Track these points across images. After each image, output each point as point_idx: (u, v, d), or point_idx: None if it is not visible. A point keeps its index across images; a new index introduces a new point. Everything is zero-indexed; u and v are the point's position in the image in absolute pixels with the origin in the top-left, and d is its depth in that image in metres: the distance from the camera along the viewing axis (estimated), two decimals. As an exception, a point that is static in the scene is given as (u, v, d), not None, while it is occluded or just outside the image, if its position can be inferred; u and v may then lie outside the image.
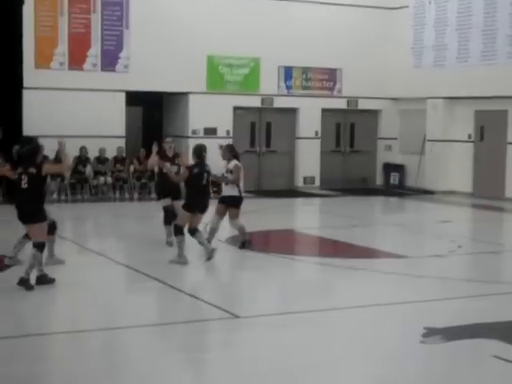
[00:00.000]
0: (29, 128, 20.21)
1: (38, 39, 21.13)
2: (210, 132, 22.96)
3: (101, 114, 21.58)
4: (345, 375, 7.24)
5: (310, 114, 24.69)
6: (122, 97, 22.11)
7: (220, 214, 13.31)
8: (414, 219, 19.59)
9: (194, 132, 22.73)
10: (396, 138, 25.96)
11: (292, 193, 23.94)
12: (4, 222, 12.90)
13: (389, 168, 25.93)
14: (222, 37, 22.91)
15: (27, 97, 20.97)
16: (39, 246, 10.29)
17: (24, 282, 10.09)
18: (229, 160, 13.35)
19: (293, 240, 15.96)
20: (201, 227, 12.83)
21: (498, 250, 14.61)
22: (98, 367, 7.37)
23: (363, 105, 25.60)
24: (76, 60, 21.61)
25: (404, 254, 13.40)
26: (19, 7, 20.72)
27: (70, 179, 20.66)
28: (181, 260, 12.11)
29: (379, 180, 26.23)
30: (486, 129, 23.13)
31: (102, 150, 21.41)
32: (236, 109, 23.82)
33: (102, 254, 13.09)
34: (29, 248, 10.64)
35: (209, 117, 22.98)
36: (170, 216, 13.42)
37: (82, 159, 21.01)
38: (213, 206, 13.02)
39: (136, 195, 21.46)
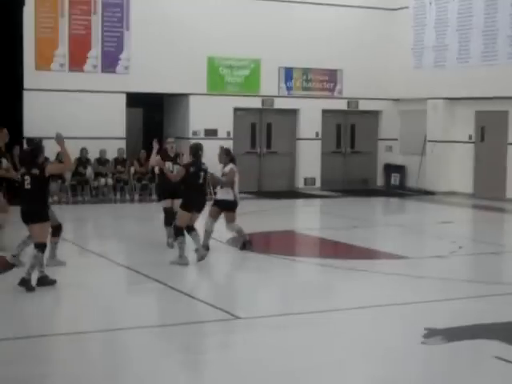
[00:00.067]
0: (29, 129, 20.23)
1: (39, 40, 21.15)
2: (211, 133, 22.97)
3: (101, 116, 21.59)
4: (346, 376, 7.24)
5: (310, 115, 24.69)
6: (123, 98, 22.12)
7: (213, 217, 13.30)
8: (415, 220, 19.59)
9: (194, 133, 22.73)
10: (396, 139, 25.96)
11: (293, 194, 23.94)
12: (8, 223, 12.85)
13: (389, 169, 25.93)
14: (222, 38, 22.92)
15: (28, 98, 20.99)
16: (40, 247, 10.29)
17: (25, 283, 10.10)
18: (225, 164, 13.36)
19: (293, 241, 15.96)
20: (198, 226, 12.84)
21: (499, 250, 14.60)
22: (98, 368, 7.37)
23: (364, 106, 25.60)
24: (76, 61, 21.62)
25: (405, 255, 13.40)
26: (20, 8, 20.74)
27: (70, 181, 20.67)
28: (181, 261, 12.11)
29: (380, 181, 26.23)
30: (487, 129, 23.12)
31: (102, 152, 21.42)
32: (236, 110, 23.83)
33: (102, 255, 13.09)
34: (31, 249, 10.64)
35: (209, 118, 22.99)
36: (170, 217, 13.43)
37: (82, 161, 21.02)
38: (207, 208, 13.02)
39: (137, 197, 21.47)
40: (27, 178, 10.36)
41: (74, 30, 21.59)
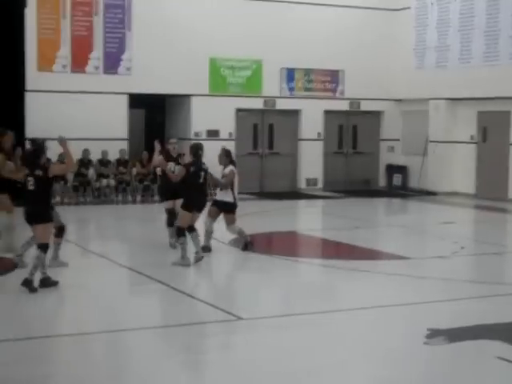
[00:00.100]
0: (31, 131, 20.24)
1: (41, 42, 21.16)
2: (213, 134, 22.98)
3: (103, 117, 21.60)
4: (348, 377, 7.24)
5: (312, 115, 24.70)
6: (125, 99, 22.13)
7: (212, 217, 13.32)
8: (417, 220, 19.59)
9: (196, 134, 22.73)
10: (398, 140, 25.96)
11: (295, 195, 23.94)
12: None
13: (391, 169, 25.93)
14: (224, 39, 22.94)
15: (30, 100, 21.01)
16: (43, 248, 10.30)
17: (28, 283, 10.11)
18: (225, 165, 13.37)
19: (296, 242, 15.96)
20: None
21: (501, 251, 14.60)
22: (101, 369, 7.37)
23: (365, 106, 25.61)
24: (78, 63, 21.64)
25: (407, 256, 13.40)
26: (21, 10, 20.76)
27: (72, 182, 20.68)
28: (184, 262, 12.12)
29: (382, 181, 26.23)
30: (489, 130, 23.10)
31: (104, 153, 21.43)
32: (238, 111, 23.84)
33: (104, 256, 13.09)
34: (34, 250, 10.66)
35: (211, 119, 23.00)
36: (172, 218, 13.45)
37: (84, 162, 21.03)
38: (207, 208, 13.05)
39: (139, 197, 21.48)
40: (30, 179, 10.38)
41: (76, 32, 21.61)
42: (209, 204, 13.26)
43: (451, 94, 23.52)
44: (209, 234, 13.30)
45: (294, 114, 24.77)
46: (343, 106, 25.32)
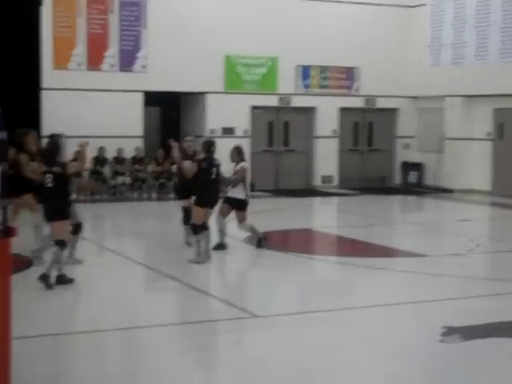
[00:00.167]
0: (47, 129, 20.20)
1: (56, 40, 21.23)
2: (228, 132, 22.98)
3: (119, 115, 21.64)
4: (363, 374, 7.22)
5: (327, 112, 24.65)
6: (140, 97, 22.18)
7: (224, 214, 13.28)
8: (433, 218, 19.53)
9: (211, 132, 22.74)
10: (414, 137, 25.87)
11: (310, 192, 23.91)
12: (26, 225, 12.88)
13: (407, 166, 25.84)
14: (239, 37, 22.92)
15: (45, 98, 21.07)
16: (60, 244, 10.33)
17: (45, 278, 10.12)
18: (237, 162, 13.35)
19: (311, 239, 15.94)
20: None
21: (518, 248, 14.53)
22: (114, 367, 7.39)
23: (381, 103, 25.53)
24: (94, 61, 21.70)
25: (422, 253, 13.35)
26: (37, 8, 20.83)
27: (88, 179, 20.73)
28: (199, 259, 12.12)
29: (397, 179, 26.15)
30: (505, 127, 22.98)
31: (119, 150, 21.49)
32: (254, 108, 23.83)
33: (120, 253, 13.13)
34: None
35: (226, 116, 23.00)
36: (188, 216, 13.44)
37: (100, 160, 21.09)
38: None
39: (154, 195, 21.52)
40: (48, 176, 10.41)
41: (92, 29, 21.67)
42: (220, 201, 13.22)
43: (467, 91, 23.41)
44: (222, 231, 13.29)
45: (310, 111, 24.74)
46: (359, 103, 25.26)
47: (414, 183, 25.36)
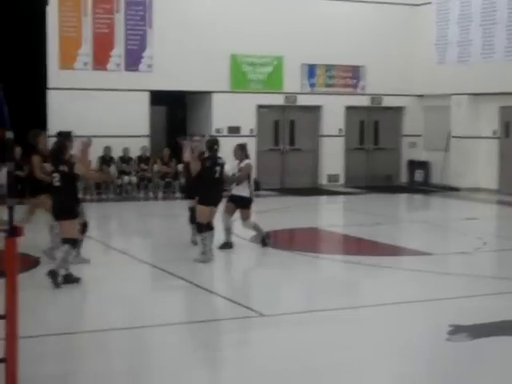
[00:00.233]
0: (53, 128, 20.28)
1: (62, 40, 21.26)
2: (234, 131, 22.98)
3: (125, 114, 21.66)
4: (370, 373, 7.21)
5: (333, 111, 24.64)
6: (146, 96, 22.19)
7: (229, 213, 13.26)
8: (439, 216, 19.50)
9: (217, 131, 22.74)
10: (420, 135, 25.84)
11: (316, 191, 23.90)
12: (32, 224, 12.90)
13: (413, 165, 25.82)
14: (244, 35, 22.92)
15: (51, 97, 21.11)
16: (70, 242, 10.34)
17: (53, 275, 10.13)
18: (241, 159, 13.33)
19: (317, 238, 15.94)
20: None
21: (524, 246, 14.50)
22: (121, 366, 7.39)
23: (387, 102, 25.50)
24: (100, 60, 21.72)
25: (429, 252, 13.33)
26: (43, 8, 20.85)
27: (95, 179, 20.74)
28: (205, 258, 12.12)
29: (404, 177, 26.12)
30: (512, 125, 22.99)
31: (125, 150, 21.51)
32: (259, 107, 23.83)
33: (126, 252, 13.14)
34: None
35: (232, 115, 23.00)
36: (195, 215, 13.43)
37: (106, 159, 21.11)
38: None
39: (160, 194, 21.54)
40: (56, 175, 10.42)
41: (97, 29, 21.69)
42: (224, 199, 13.21)
43: (473, 89, 23.37)
44: (228, 230, 13.28)
45: (315, 110, 24.72)
46: (364, 101, 25.24)
47: (421, 182, 25.33)
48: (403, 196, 23.78)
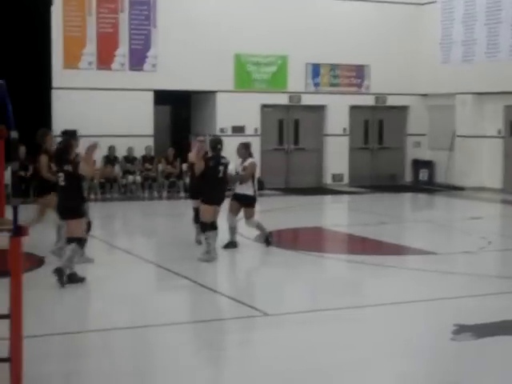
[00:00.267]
0: (58, 128, 20.31)
1: (67, 39, 21.28)
2: (238, 130, 22.98)
3: (129, 113, 21.67)
4: (374, 373, 7.21)
5: (338, 110, 24.63)
6: (150, 96, 22.21)
7: (234, 212, 13.24)
8: (444, 216, 19.48)
9: (222, 130, 22.75)
10: (425, 134, 25.82)
11: (320, 190, 23.89)
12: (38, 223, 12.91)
13: (418, 164, 25.80)
14: (249, 35, 22.92)
15: (56, 97, 21.13)
16: (76, 241, 10.35)
17: (60, 272, 10.14)
18: (244, 158, 13.32)
19: (321, 237, 15.93)
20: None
21: (529, 246, 14.49)
22: (125, 365, 7.40)
23: (391, 101, 25.48)
24: (104, 60, 21.74)
25: (433, 251, 13.32)
26: (47, 8, 20.88)
27: (99, 178, 20.77)
28: (209, 257, 12.12)
29: (408, 176, 26.11)
30: (516, 124, 22.96)
31: (130, 149, 21.53)
32: (264, 107, 23.83)
33: (130, 252, 13.15)
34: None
35: (236, 115, 23.00)
36: (199, 215, 13.43)
37: (110, 158, 21.13)
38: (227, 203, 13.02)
39: (165, 194, 21.56)
40: (61, 174, 10.44)
41: (102, 29, 21.71)
42: (228, 199, 13.19)
43: (478, 89, 23.34)
44: (233, 229, 13.28)
45: (320, 109, 24.72)
46: (369, 101, 25.22)
47: (425, 181, 25.31)
48: (407, 195, 23.76)
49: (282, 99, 23.98)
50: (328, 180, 24.85)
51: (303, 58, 23.87)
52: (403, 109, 25.90)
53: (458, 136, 24.19)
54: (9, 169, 6.70)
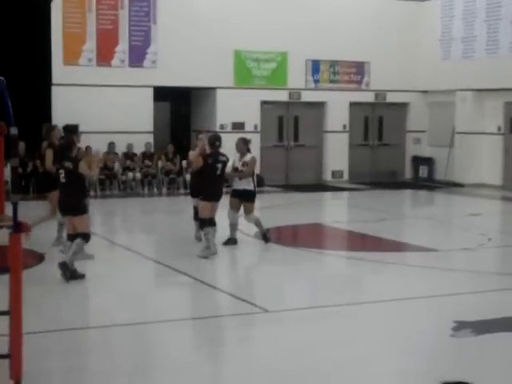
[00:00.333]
0: (58, 124, 20.27)
1: (67, 36, 21.26)
2: (238, 126, 22.97)
3: (129, 110, 21.66)
4: (374, 369, 7.20)
5: (337, 107, 24.62)
6: (150, 92, 22.20)
7: (235, 208, 13.22)
8: (443, 212, 19.49)
9: (221, 127, 22.74)
10: (425, 131, 25.82)
11: (320, 187, 23.88)
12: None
13: (418, 161, 25.79)
14: (249, 31, 22.90)
15: (56, 93, 21.12)
16: (81, 236, 10.35)
17: (64, 266, 10.15)
18: (243, 153, 13.29)
19: (321, 234, 15.93)
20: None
21: (529, 242, 14.49)
22: (126, 362, 7.40)
23: (391, 98, 25.47)
24: (104, 56, 21.72)
25: (433, 248, 13.32)
26: (47, 4, 20.87)
27: (98, 175, 20.76)
28: (208, 252, 12.11)
29: (408, 173, 26.10)
30: (516, 121, 22.95)
31: (129, 146, 21.52)
32: (263, 103, 23.82)
33: (130, 248, 13.15)
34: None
35: (236, 111, 22.99)
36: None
37: (110, 155, 21.11)
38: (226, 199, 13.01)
39: (164, 190, 21.55)
40: (62, 171, 10.44)
41: (102, 25, 21.69)
42: (227, 195, 13.18)
43: (478, 85, 23.33)
44: (234, 226, 13.28)
45: (320, 106, 24.71)
46: (369, 97, 25.22)
47: (425, 178, 25.31)
48: (407, 192, 23.77)
49: (281, 96, 23.97)
50: (328, 177, 24.85)
51: (303, 54, 23.86)
52: (403, 105, 25.89)
53: (458, 133, 24.19)
54: (8, 165, 6.70)
